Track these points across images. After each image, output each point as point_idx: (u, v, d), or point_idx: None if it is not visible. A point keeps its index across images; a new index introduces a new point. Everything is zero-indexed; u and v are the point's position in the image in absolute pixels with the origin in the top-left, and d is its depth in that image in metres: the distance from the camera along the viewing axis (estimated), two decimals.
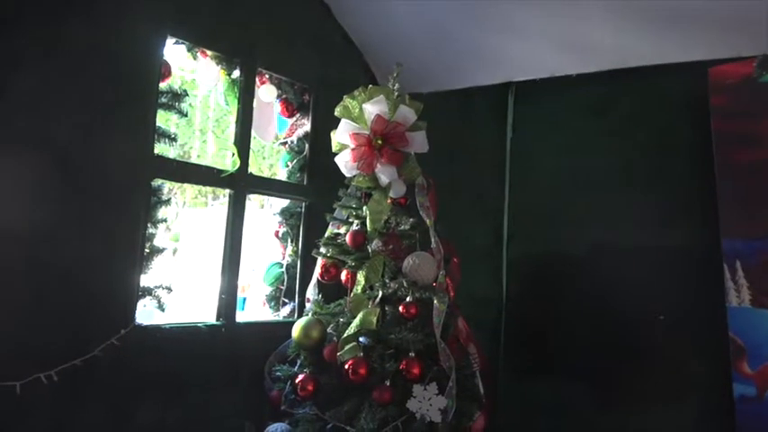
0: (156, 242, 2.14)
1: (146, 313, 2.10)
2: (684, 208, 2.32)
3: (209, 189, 7.47)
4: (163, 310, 2.10)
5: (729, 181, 2.17)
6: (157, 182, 2.11)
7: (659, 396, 2.27)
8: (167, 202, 2.16)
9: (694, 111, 2.29)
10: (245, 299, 2.57)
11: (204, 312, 2.35)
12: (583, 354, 2.43)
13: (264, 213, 2.77)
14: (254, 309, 2.64)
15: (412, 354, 2.04)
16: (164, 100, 2.14)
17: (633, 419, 2.30)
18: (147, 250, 2.08)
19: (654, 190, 2.39)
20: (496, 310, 2.64)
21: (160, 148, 2.11)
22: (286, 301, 2.57)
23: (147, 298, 2.06)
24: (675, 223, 2.33)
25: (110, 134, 1.94)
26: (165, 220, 2.19)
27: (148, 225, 2.07)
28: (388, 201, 2.26)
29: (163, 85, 2.13)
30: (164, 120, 2.18)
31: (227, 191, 2.36)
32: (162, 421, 2.05)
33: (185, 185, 7.53)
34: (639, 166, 2.43)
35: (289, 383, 2.19)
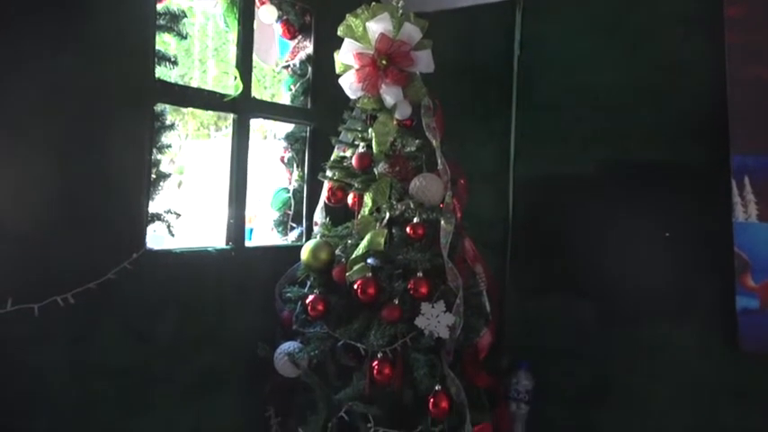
0: (162, 168, 2.14)
1: (156, 238, 2.13)
2: (694, 124, 2.29)
3: (211, 120, 7.41)
4: (172, 235, 2.12)
5: (741, 96, 2.13)
6: (160, 107, 2.09)
7: (663, 310, 2.31)
8: (171, 127, 2.14)
9: (708, 24, 2.22)
10: (251, 229, 2.59)
11: (213, 238, 2.37)
12: (588, 272, 2.46)
13: (268, 143, 2.75)
14: (262, 237, 2.66)
15: (420, 273, 2.07)
16: (162, 22, 2.09)
17: (637, 333, 2.36)
18: (153, 176, 2.08)
19: (663, 107, 2.35)
20: (503, 230, 2.66)
21: (161, 72, 2.08)
22: (294, 225, 2.59)
23: (157, 223, 2.08)
24: (685, 140, 2.31)
25: (109, 58, 1.90)
26: (170, 146, 2.18)
27: (154, 150, 2.07)
28: (394, 122, 2.24)
29: (160, 6, 2.07)
30: (163, 46, 2.13)
31: (230, 121, 2.34)
32: (176, 341, 2.11)
33: (187, 117, 7.49)
34: (649, 82, 2.38)
35: (299, 304, 2.24)
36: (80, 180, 1.86)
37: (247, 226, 2.39)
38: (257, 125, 2.81)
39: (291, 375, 2.16)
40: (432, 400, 1.98)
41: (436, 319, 2.01)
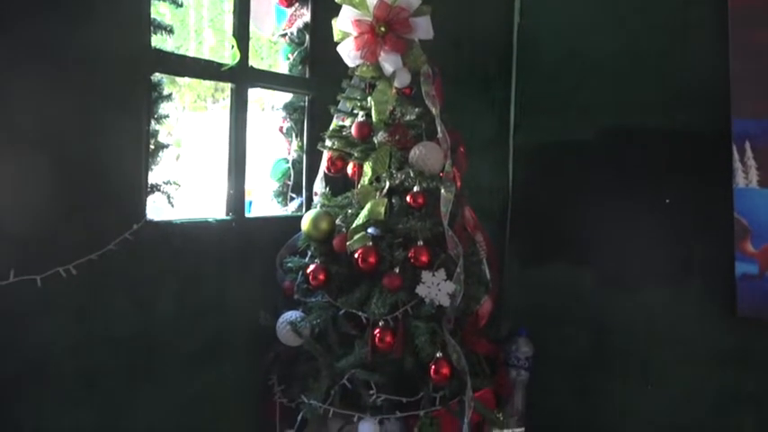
0: (161, 139, 2.13)
1: (156, 209, 2.12)
2: (696, 90, 2.28)
3: (208, 92, 7.34)
4: (172, 205, 2.12)
5: (743, 61, 2.12)
6: (157, 77, 2.07)
7: (663, 277, 2.33)
8: (169, 97, 2.12)
9: None
10: (251, 202, 2.58)
11: (213, 210, 2.37)
12: (588, 239, 2.47)
13: (266, 115, 2.72)
14: (261, 209, 2.66)
15: (420, 242, 2.08)
16: None
17: (636, 299, 2.38)
18: (152, 146, 2.07)
19: (664, 73, 2.34)
20: (503, 199, 2.66)
21: (157, 41, 2.05)
22: (293, 196, 2.59)
23: (156, 194, 2.08)
24: (686, 106, 2.30)
25: (105, 26, 1.88)
26: (168, 117, 2.17)
27: (152, 121, 2.05)
28: (393, 91, 2.22)
29: None
30: (159, 15, 2.10)
31: (227, 92, 2.32)
32: (179, 310, 2.12)
33: (184, 90, 7.42)
34: (650, 48, 2.36)
35: (300, 274, 2.25)
36: (78, 151, 1.85)
37: (246, 199, 2.39)
38: (255, 96, 2.79)
39: (294, 344, 2.18)
40: (433, 366, 2.00)
41: (437, 288, 2.02)
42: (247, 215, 2.37)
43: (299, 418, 2.16)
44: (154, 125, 2.07)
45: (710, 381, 2.24)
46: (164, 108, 2.13)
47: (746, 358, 2.17)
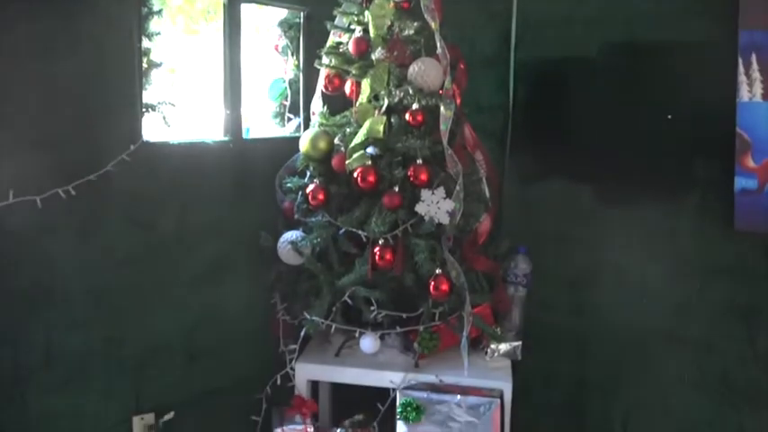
0: (153, 57, 2.09)
1: (152, 131, 2.10)
2: (699, 0, 2.20)
3: (201, 14, 7.12)
4: (168, 125, 2.09)
5: None
6: None
7: (662, 192, 2.33)
8: (159, 13, 2.07)
9: None
10: (248, 129, 2.55)
11: (210, 131, 2.35)
12: (588, 156, 2.45)
13: (260, 37, 2.64)
14: (259, 131, 2.62)
15: (419, 160, 2.06)
16: None
17: (635, 215, 2.39)
18: (144, 65, 2.03)
19: None
20: (503, 117, 2.62)
21: None
22: (291, 116, 2.56)
23: (152, 113, 2.05)
24: (692, 18, 2.22)
25: None
26: (159, 34, 2.11)
27: (142, 38, 2.00)
28: (391, 4, 2.14)
29: None
30: None
31: (220, 13, 2.24)
32: (180, 231, 2.14)
33: (175, 11, 7.20)
34: None
35: (300, 194, 2.25)
36: (70, 71, 1.81)
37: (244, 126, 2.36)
38: (249, 15, 2.69)
39: (295, 263, 2.21)
40: (432, 283, 2.03)
41: (436, 206, 2.02)
42: (245, 137, 2.35)
43: (302, 334, 2.21)
44: (145, 42, 2.02)
45: (705, 293, 2.28)
46: (155, 25, 2.08)
47: (742, 271, 2.19)
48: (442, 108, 2.06)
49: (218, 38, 2.29)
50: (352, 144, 2.11)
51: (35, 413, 1.87)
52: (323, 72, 2.31)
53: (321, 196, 2.16)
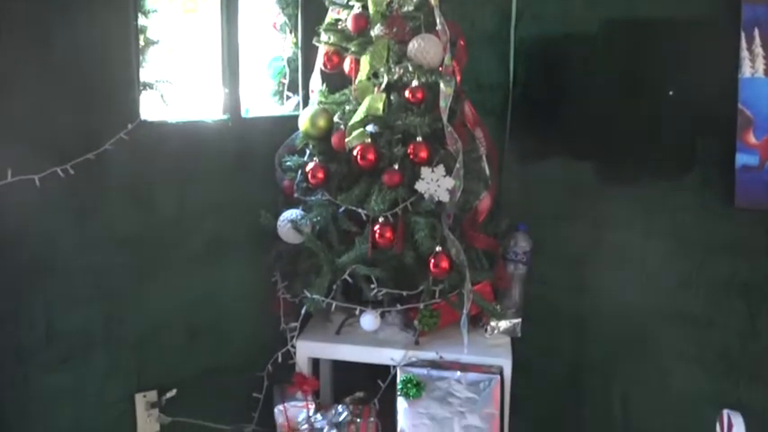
0: (150, 35, 2.07)
1: (150, 110, 2.09)
2: None
3: None
4: (166, 103, 2.08)
5: None
6: None
7: (662, 169, 2.32)
8: None
9: None
10: (248, 110, 2.53)
11: (208, 109, 2.33)
12: (588, 133, 2.44)
13: (258, 15, 2.62)
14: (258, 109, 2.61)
15: (419, 138, 2.05)
16: None
17: (635, 193, 2.38)
18: (141, 43, 2.01)
19: None
20: (503, 95, 2.60)
21: None
22: (290, 95, 2.54)
23: (150, 92, 2.04)
24: None
25: None
26: (156, 11, 2.09)
27: (139, 15, 1.98)
28: None
29: None
30: None
31: None
32: (179, 210, 2.14)
33: None
34: None
35: (299, 172, 2.24)
36: (67, 50, 1.80)
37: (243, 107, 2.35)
38: None
39: (295, 242, 2.21)
40: (432, 260, 2.03)
41: (436, 183, 2.02)
42: (244, 116, 2.34)
43: (303, 312, 2.22)
44: (142, 20, 2.01)
45: (706, 270, 2.27)
46: (151, 2, 2.06)
47: (742, 248, 2.19)
48: (441, 85, 2.05)
49: (216, 15, 2.26)
50: (352, 122, 2.10)
51: (36, 391, 1.88)
52: (322, 49, 2.29)
53: (321, 174, 2.15)
